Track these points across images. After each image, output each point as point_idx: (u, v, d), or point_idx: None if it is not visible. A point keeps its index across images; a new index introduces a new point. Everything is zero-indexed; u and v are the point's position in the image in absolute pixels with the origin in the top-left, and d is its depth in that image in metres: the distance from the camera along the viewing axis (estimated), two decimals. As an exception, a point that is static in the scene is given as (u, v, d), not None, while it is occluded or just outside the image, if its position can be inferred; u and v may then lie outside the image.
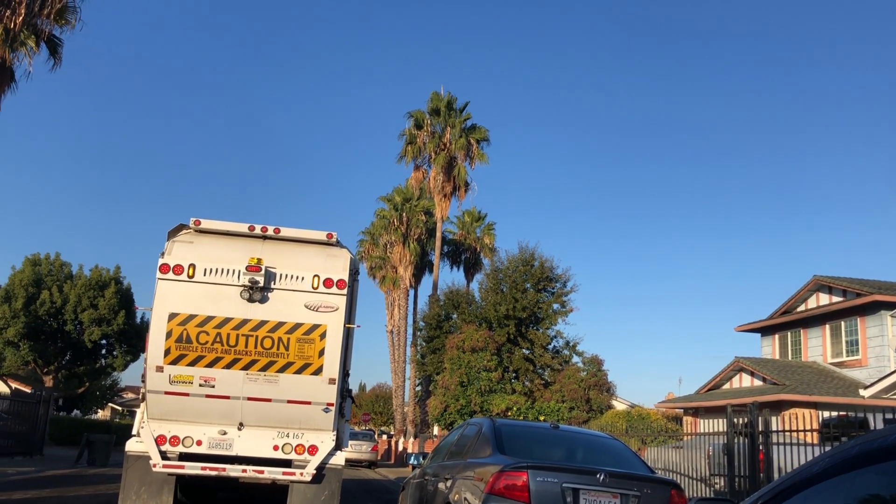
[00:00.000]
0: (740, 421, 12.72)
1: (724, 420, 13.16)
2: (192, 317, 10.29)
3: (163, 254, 10.66)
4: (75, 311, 38.37)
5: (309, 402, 10.62)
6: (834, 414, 17.47)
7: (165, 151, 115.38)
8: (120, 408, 69.59)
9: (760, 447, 12.24)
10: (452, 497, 7.92)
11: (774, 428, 12.47)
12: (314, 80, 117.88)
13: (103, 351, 41.73)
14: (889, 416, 12.16)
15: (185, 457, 10.63)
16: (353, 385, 14.47)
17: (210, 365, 10.33)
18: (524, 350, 36.38)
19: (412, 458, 17.43)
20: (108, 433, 29.50)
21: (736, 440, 12.73)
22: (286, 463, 10.83)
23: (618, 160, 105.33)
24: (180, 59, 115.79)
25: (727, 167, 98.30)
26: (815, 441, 12.39)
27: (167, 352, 10.27)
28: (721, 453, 13.48)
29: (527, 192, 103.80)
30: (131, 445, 10.74)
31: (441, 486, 8.65)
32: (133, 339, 40.37)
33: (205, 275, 10.43)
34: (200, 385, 10.38)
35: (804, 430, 11.69)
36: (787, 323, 31.88)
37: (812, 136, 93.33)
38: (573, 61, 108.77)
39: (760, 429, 12.30)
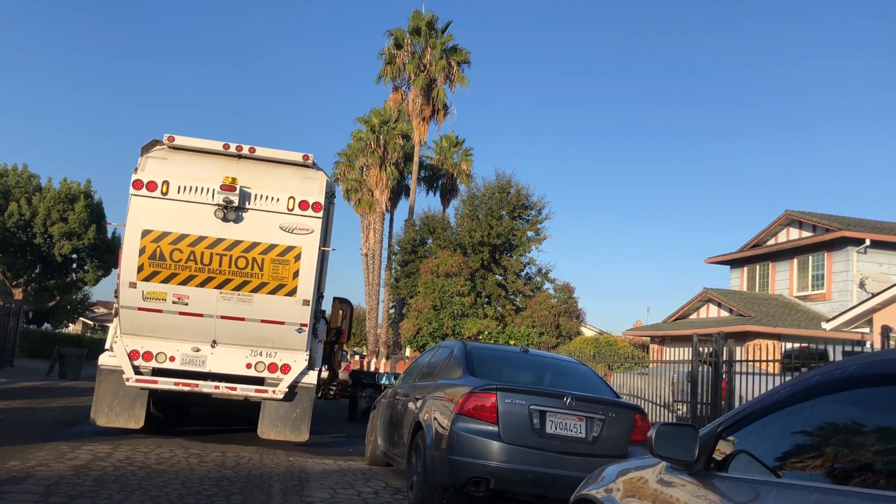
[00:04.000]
0: (705, 350, 13.00)
1: (690, 349, 13.46)
2: (165, 234, 10.25)
3: (136, 169, 10.52)
4: (45, 224, 37.78)
5: (283, 322, 10.70)
6: (796, 345, 17.91)
7: (135, 66, 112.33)
8: (91, 322, 69.60)
9: (724, 376, 12.55)
10: (422, 416, 8.08)
11: (738, 358, 12.77)
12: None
13: (74, 265, 41.35)
14: (848, 348, 12.54)
15: (157, 372, 10.74)
16: (327, 306, 14.56)
17: (184, 283, 10.34)
18: (497, 276, 36.76)
19: (384, 378, 17.73)
20: (79, 347, 29.58)
21: (700, 369, 13.03)
22: (259, 381, 10.97)
23: (595, 91, 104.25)
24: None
25: (705, 99, 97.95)
26: (777, 371, 12.72)
27: (140, 268, 10.25)
28: (685, 381, 13.81)
29: (505, 118, 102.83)
30: (104, 359, 10.81)
31: (412, 405, 8.82)
32: (104, 254, 40.00)
33: (178, 192, 10.34)
34: (174, 302, 10.41)
35: (766, 361, 11.97)
36: (756, 256, 32.37)
37: (792, 73, 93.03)
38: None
39: (724, 358, 12.58)
